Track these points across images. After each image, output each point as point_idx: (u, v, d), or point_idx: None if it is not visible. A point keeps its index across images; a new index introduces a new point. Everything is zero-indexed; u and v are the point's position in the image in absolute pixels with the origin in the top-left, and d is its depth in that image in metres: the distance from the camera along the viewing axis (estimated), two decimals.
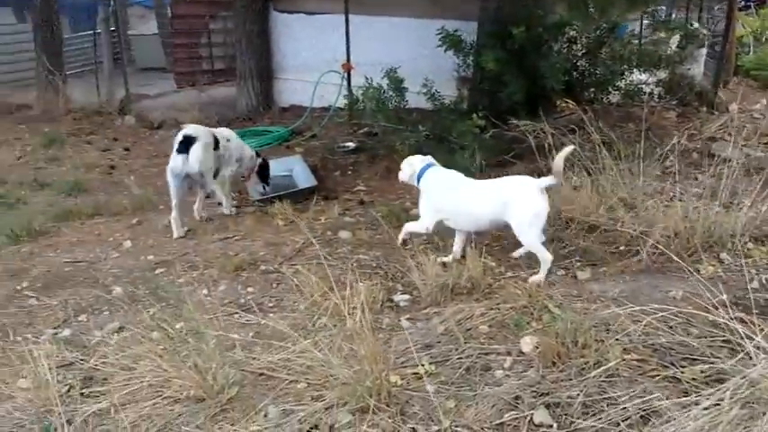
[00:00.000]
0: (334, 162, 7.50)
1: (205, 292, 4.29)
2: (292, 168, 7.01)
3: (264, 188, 6.18)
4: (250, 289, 4.26)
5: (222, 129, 5.96)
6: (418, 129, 6.66)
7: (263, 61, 10.30)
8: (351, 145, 7.97)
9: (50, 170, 7.83)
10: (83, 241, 5.47)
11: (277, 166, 6.61)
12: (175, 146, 5.24)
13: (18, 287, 4.58)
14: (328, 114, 9.09)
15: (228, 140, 5.78)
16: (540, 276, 3.89)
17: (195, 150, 5.21)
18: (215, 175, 5.54)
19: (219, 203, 5.91)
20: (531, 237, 3.89)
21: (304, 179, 6.66)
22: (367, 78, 6.85)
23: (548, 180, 3.82)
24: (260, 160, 6.20)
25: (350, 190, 6.48)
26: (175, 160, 5.20)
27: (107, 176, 7.52)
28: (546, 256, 3.90)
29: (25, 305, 4.31)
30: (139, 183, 6.95)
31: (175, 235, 5.29)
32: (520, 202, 3.86)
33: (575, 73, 6.95)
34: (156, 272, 4.72)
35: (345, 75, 8.97)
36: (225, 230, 5.52)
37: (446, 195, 4.09)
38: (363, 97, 6.81)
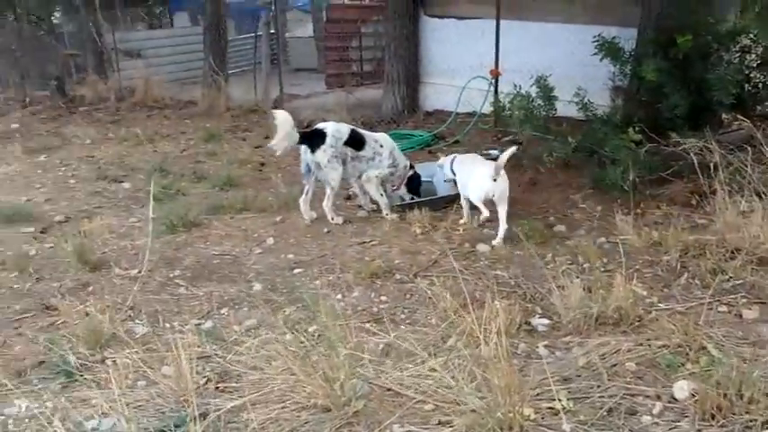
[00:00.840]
0: None
1: (339, 297, 4.31)
2: (433, 174, 6.87)
3: (410, 199, 6.21)
4: (383, 298, 4.25)
5: (380, 134, 6.14)
6: (567, 140, 6.33)
7: (410, 65, 10.36)
8: (494, 153, 7.80)
9: (208, 164, 8.29)
10: (230, 235, 5.69)
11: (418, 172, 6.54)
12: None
13: (171, 275, 4.83)
14: (473, 120, 8.96)
15: (381, 145, 5.94)
16: (465, 218, 5.46)
17: (319, 144, 5.53)
18: (359, 176, 5.78)
19: (364, 207, 6.12)
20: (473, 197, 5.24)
21: (446, 187, 6.52)
22: (515, 85, 6.65)
23: (504, 157, 5.07)
24: (411, 171, 6.23)
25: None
26: (303, 150, 5.60)
27: (257, 173, 7.82)
28: (483, 210, 5.19)
29: (176, 293, 4.53)
30: (286, 181, 7.17)
31: (305, 218, 5.67)
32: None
33: (747, 85, 6.28)
34: (295, 271, 4.80)
35: (493, 81, 8.83)
36: (362, 234, 5.54)
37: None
38: (510, 105, 6.60)
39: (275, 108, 10.87)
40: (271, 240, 5.50)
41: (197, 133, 10.01)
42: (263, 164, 8.29)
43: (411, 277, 4.50)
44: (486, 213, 5.18)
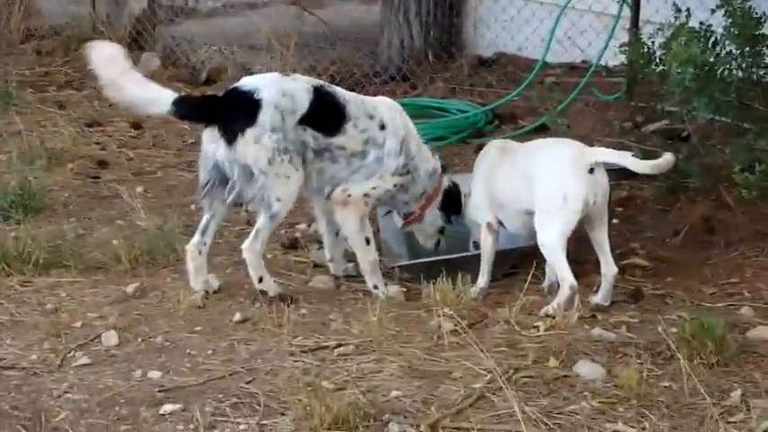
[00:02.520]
0: None
1: None
2: None
3: (439, 244, 6.46)
4: None
5: (380, 99, 6.42)
6: None
7: None
8: (627, 158, 7.89)
9: None
10: (19, 323, 5.88)
11: None
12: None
13: None
14: (581, 82, 9.08)
15: (382, 124, 6.15)
16: (552, 305, 5.76)
17: (245, 124, 5.88)
18: (328, 193, 6.16)
19: (331, 265, 6.48)
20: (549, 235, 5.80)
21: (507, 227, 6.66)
22: (678, 9, 6.79)
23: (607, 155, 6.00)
24: (446, 181, 6.42)
25: (614, 260, 6.41)
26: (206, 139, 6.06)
27: (88, 182, 8.14)
28: (568, 279, 5.76)
29: None
30: (152, 201, 7.45)
31: (195, 288, 6.14)
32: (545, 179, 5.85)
33: None
34: (163, 411, 4.90)
35: None
36: (320, 329, 5.70)
37: None
38: (667, 51, 6.72)
39: (129, 39, 11.34)
40: (112, 337, 5.66)
41: None
42: (102, 162, 8.51)
43: None
44: (569, 279, 5.74)
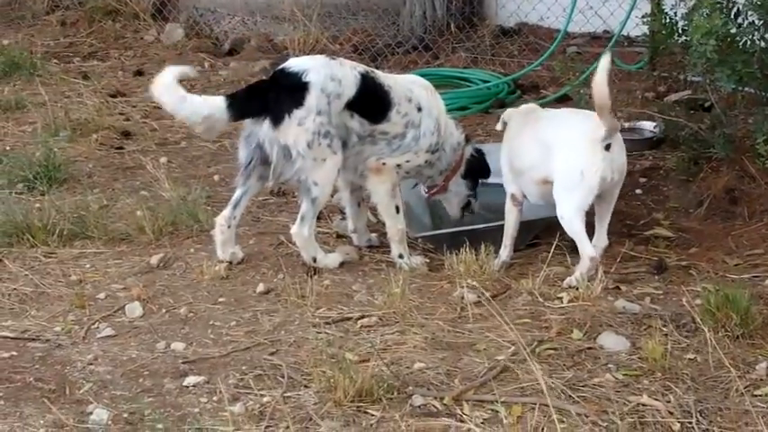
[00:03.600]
0: None
1: None
2: None
3: (470, 206, 6.48)
4: None
5: (412, 77, 6.48)
6: None
7: None
8: (648, 128, 7.93)
9: (3, 131, 8.58)
10: (43, 294, 5.90)
11: None
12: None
13: None
14: (603, 52, 8.94)
15: (419, 106, 6.15)
16: (575, 276, 5.75)
17: (290, 106, 5.88)
18: (362, 170, 6.19)
19: (352, 236, 6.50)
20: (568, 208, 5.80)
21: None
22: None
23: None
24: (470, 149, 6.43)
25: (637, 231, 6.59)
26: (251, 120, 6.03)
27: (113, 153, 8.20)
28: (587, 250, 5.76)
29: None
30: (176, 172, 7.50)
31: (222, 257, 6.17)
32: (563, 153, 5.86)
33: None
34: (186, 383, 4.92)
35: None
36: (343, 300, 5.71)
37: None
38: (689, 20, 6.70)
39: (153, 10, 11.41)
40: (136, 308, 5.67)
41: None
42: (126, 133, 8.51)
43: (447, 405, 4.60)
44: (588, 250, 5.75)
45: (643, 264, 6.09)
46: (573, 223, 5.74)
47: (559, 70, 8.55)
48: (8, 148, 8.13)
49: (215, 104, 5.87)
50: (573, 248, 6.06)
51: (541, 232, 6.35)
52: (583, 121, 5.95)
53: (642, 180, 7.31)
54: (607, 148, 5.68)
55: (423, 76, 7.90)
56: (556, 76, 9.03)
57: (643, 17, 7.53)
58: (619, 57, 9.11)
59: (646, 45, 8.59)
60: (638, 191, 7.16)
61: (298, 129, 5.81)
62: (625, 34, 9.22)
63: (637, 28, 8.58)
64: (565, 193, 5.78)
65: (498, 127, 6.30)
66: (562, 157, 5.81)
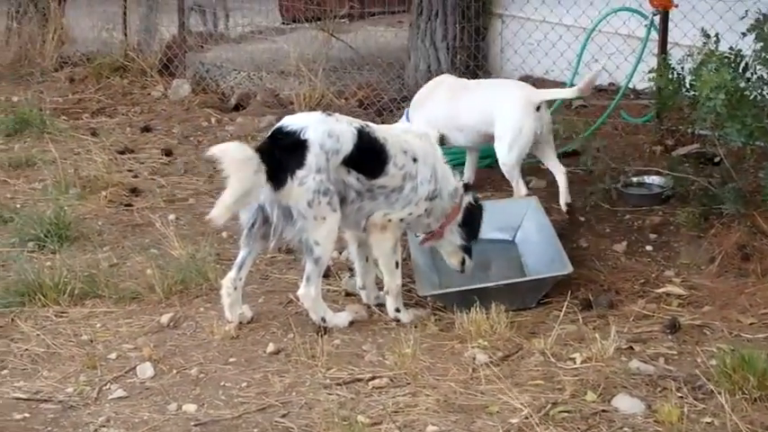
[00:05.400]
0: (613, 217, 7.57)
1: None
2: (517, 226, 7.09)
3: (464, 263, 6.41)
4: None
5: (404, 126, 6.67)
6: None
7: None
8: (656, 183, 7.92)
9: (12, 188, 8.62)
10: (54, 354, 5.85)
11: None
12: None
13: None
14: (610, 106, 9.06)
15: (415, 157, 6.12)
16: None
17: (292, 166, 5.80)
18: (364, 225, 6.15)
19: (361, 293, 6.44)
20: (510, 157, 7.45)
21: (541, 255, 6.69)
22: (705, 33, 6.81)
23: (552, 93, 7.95)
24: (468, 198, 6.39)
25: (649, 289, 6.53)
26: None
27: (122, 210, 8.14)
28: (522, 191, 7.40)
29: None
30: (185, 229, 7.45)
31: (230, 318, 6.12)
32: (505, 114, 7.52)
33: None
34: None
35: (655, 16, 8.94)
36: (353, 360, 5.66)
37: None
38: (695, 74, 6.73)
39: (160, 66, 11.53)
40: (147, 369, 5.63)
41: None
42: (135, 190, 8.48)
43: None
44: (522, 190, 7.35)
45: (656, 322, 6.03)
46: (513, 169, 7.47)
47: (565, 126, 8.57)
48: (18, 205, 8.13)
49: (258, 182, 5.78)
50: (584, 307, 6.07)
51: (551, 290, 6.29)
52: (516, 90, 7.71)
53: (652, 236, 7.26)
54: (537, 109, 7.41)
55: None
56: (561, 131, 9.01)
57: (650, 72, 7.55)
58: (625, 110, 9.17)
59: (652, 98, 8.60)
60: (648, 247, 7.12)
61: (299, 189, 5.76)
62: (631, 87, 9.22)
63: (643, 81, 8.63)
64: (507, 146, 7.45)
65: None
66: (504, 118, 7.49)
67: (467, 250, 6.39)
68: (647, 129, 8.89)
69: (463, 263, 6.39)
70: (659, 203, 7.68)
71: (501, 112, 7.48)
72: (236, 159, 5.62)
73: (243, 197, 5.66)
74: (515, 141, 7.36)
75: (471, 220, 6.35)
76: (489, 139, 7.61)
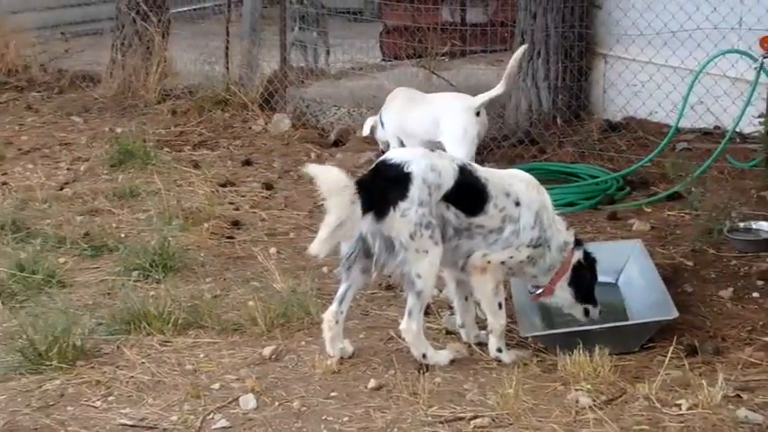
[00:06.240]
0: (719, 263, 7.51)
1: None
2: (620, 268, 7.07)
3: (588, 313, 6.39)
4: None
5: (514, 173, 6.46)
6: None
7: (572, 17, 10.63)
8: (764, 228, 7.86)
9: (117, 218, 8.79)
10: (159, 383, 5.94)
11: None
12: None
13: None
14: (717, 149, 8.95)
15: (517, 201, 6.12)
16: None
17: (394, 198, 5.87)
18: (462, 265, 6.14)
19: (461, 332, 6.43)
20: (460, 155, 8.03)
21: (645, 299, 6.65)
22: None
23: (485, 96, 8.99)
24: (579, 253, 6.34)
25: (756, 336, 6.41)
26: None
27: (224, 242, 8.24)
28: None
29: None
30: (286, 263, 7.51)
31: (331, 353, 6.14)
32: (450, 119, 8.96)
33: None
34: None
35: (765, 59, 8.80)
36: (454, 398, 5.64)
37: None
38: None
39: (261, 100, 11.74)
40: (250, 400, 5.68)
41: (95, 147, 10.52)
42: (236, 222, 8.58)
43: None
44: None
45: (764, 371, 5.88)
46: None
47: (671, 168, 8.53)
48: (123, 235, 8.25)
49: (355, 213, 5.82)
50: (689, 353, 6.00)
51: (655, 335, 6.21)
52: (458, 99, 9.18)
53: (759, 283, 7.11)
54: (477, 114, 8.87)
55: (529, 170, 7.89)
56: (665, 173, 8.99)
57: (759, 116, 7.49)
58: (731, 154, 9.05)
59: (760, 142, 8.52)
60: (755, 294, 6.96)
61: (401, 220, 5.79)
62: (738, 131, 9.11)
63: (750, 125, 8.56)
64: (455, 145, 8.72)
65: (365, 133, 9.90)
66: (449, 123, 8.91)
67: (587, 300, 6.33)
68: (753, 173, 8.78)
69: (587, 313, 6.34)
70: (766, 250, 7.59)
71: (446, 119, 8.97)
72: (333, 184, 5.70)
73: (339, 228, 5.71)
74: (462, 141, 8.80)
75: (580, 281, 6.29)
76: (434, 146, 8.14)
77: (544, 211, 6.17)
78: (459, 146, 8.69)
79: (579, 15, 10.64)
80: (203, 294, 6.95)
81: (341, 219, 5.68)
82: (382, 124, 9.56)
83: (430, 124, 9.04)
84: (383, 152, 8.34)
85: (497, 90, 8.89)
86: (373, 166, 6.16)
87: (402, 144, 9.24)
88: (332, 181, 5.71)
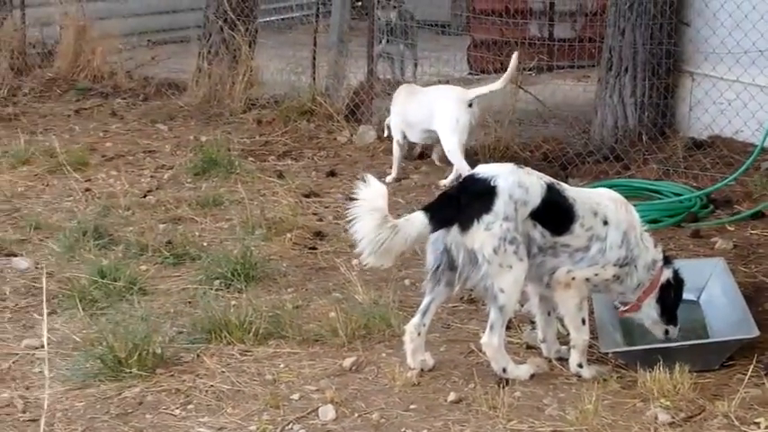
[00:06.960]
0: None
1: None
2: (702, 286, 7.03)
3: (668, 333, 6.36)
4: None
5: (603, 193, 6.45)
6: None
7: (660, 34, 10.58)
8: (490, 86, 8.67)
9: (199, 226, 8.88)
10: (239, 392, 6.01)
11: None
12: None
13: None
14: None
15: (606, 220, 6.12)
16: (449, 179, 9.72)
17: (479, 212, 5.91)
18: (547, 281, 6.18)
19: (543, 347, 6.45)
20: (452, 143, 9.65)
21: (726, 317, 6.63)
22: None
23: (481, 90, 9.95)
24: (669, 272, 6.32)
25: None
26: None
27: (306, 253, 8.31)
28: (465, 169, 8.98)
29: None
30: (370, 275, 7.51)
31: (412, 365, 6.15)
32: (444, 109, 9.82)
33: None
34: None
35: None
36: (534, 411, 5.67)
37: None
38: None
39: (346, 112, 11.91)
40: (329, 411, 5.71)
41: (180, 155, 10.71)
42: (319, 233, 8.64)
43: None
44: (465, 169, 9.03)
45: None
46: (456, 153, 9.65)
47: (755, 187, 8.47)
48: (205, 243, 8.34)
49: (416, 223, 5.89)
50: None
51: (735, 353, 6.19)
52: (451, 91, 10.07)
53: None
54: (470, 105, 9.68)
55: (613, 186, 7.93)
56: (749, 192, 8.96)
57: None
58: None
59: None
60: None
61: (485, 234, 5.81)
62: None
63: None
64: (448, 135, 9.69)
65: (386, 134, 10.61)
66: (443, 114, 9.74)
67: (670, 320, 6.31)
68: None
69: (666, 332, 6.32)
70: None
71: (440, 109, 9.82)
72: (368, 202, 5.83)
73: (378, 245, 5.84)
74: (454, 130, 9.66)
75: (667, 299, 6.26)
76: (430, 134, 10.06)
77: (632, 231, 6.15)
78: (452, 134, 9.64)
79: (667, 32, 10.59)
80: (285, 304, 6.99)
81: (369, 236, 5.82)
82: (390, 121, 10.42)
83: (426, 113, 9.91)
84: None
85: (494, 86, 9.85)
86: (461, 179, 6.20)
87: (405, 138, 10.20)
88: (368, 196, 5.85)
